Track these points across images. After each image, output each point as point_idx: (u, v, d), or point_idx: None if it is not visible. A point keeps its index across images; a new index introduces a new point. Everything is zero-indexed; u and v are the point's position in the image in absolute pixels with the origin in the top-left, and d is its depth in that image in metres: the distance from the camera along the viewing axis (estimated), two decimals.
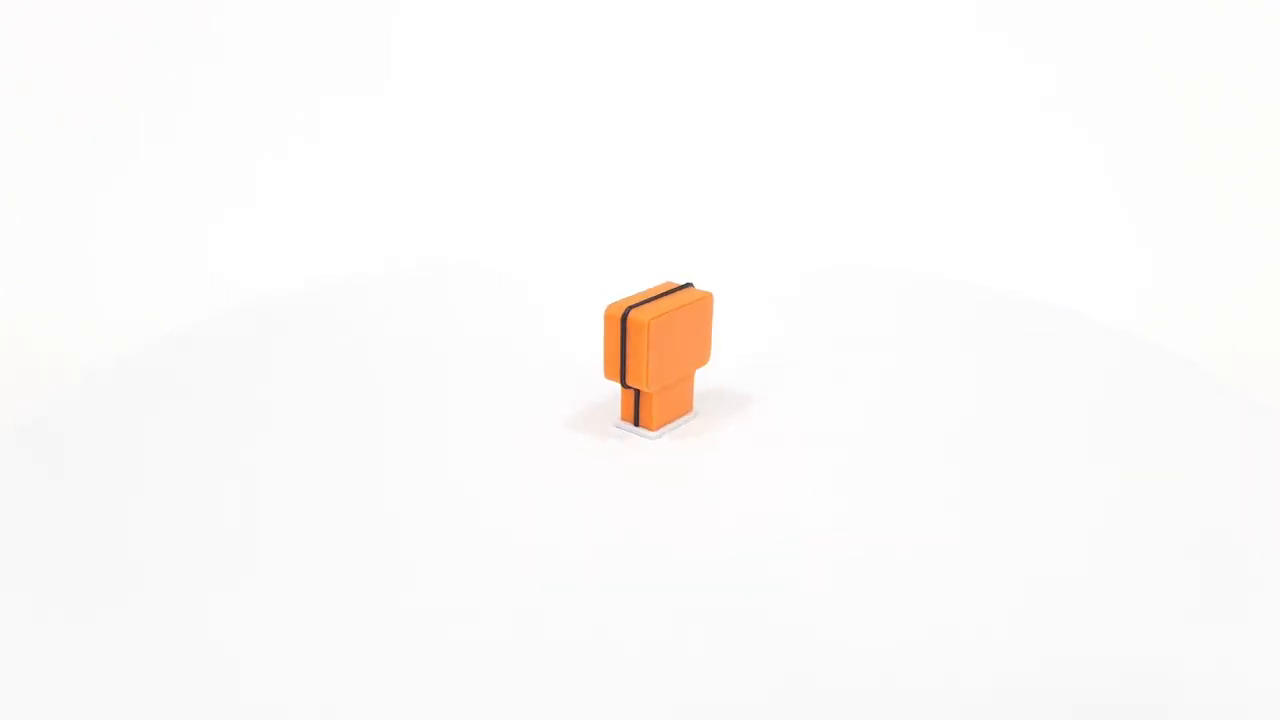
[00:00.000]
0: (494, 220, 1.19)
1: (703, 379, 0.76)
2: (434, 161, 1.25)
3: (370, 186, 1.21)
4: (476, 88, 1.28)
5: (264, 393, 0.75)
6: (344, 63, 1.26)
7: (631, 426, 0.69)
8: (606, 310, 0.65)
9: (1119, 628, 0.51)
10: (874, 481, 0.64)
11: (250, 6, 1.23)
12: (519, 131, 1.27)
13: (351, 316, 0.90)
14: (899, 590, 0.53)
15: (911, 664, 0.48)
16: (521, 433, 0.69)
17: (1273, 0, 1.20)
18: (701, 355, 0.68)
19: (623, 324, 0.64)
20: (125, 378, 0.78)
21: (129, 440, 0.68)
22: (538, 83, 1.28)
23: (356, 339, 0.85)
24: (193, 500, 0.61)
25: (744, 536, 0.58)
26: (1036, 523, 0.59)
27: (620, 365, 0.65)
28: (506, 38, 1.28)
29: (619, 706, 0.45)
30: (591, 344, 0.82)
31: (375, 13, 1.27)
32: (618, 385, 0.74)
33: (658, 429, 0.68)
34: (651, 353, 0.64)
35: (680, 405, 0.69)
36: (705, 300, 0.67)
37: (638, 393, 0.67)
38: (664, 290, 0.67)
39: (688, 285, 0.68)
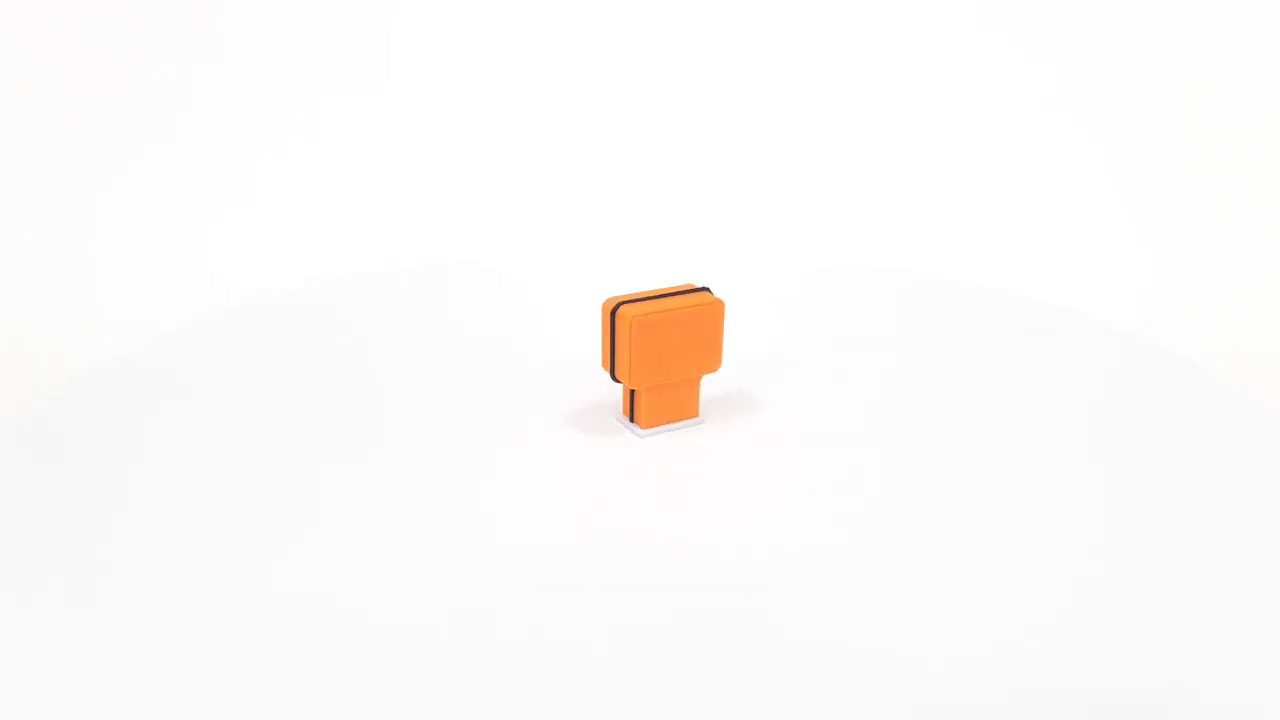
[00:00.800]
0: (494, 220, 1.19)
1: (704, 379, 0.76)
2: (434, 161, 1.25)
3: (370, 186, 1.21)
4: (476, 88, 1.28)
5: (264, 393, 0.75)
6: (344, 63, 1.26)
7: (627, 421, 0.69)
8: (603, 303, 0.66)
9: (1119, 627, 0.51)
10: (874, 482, 0.64)
11: (250, 6, 1.23)
12: (519, 131, 1.27)
13: (351, 316, 0.90)
14: (899, 590, 0.53)
15: (911, 664, 0.48)
16: (521, 432, 0.69)
17: (1273, 0, 1.20)
18: (706, 361, 0.68)
19: (613, 318, 0.65)
20: (125, 378, 0.78)
21: (129, 440, 0.68)
22: (538, 83, 1.28)
23: (356, 339, 0.85)
24: (192, 500, 0.61)
25: (744, 536, 0.58)
26: (1037, 522, 0.59)
27: (610, 359, 0.67)
28: (506, 38, 1.28)
29: (619, 706, 0.45)
30: (591, 344, 0.81)
31: (375, 13, 1.27)
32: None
33: (647, 428, 0.68)
34: (634, 349, 0.64)
35: (679, 409, 0.69)
36: (710, 307, 0.66)
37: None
38: (674, 290, 0.67)
39: (703, 289, 0.68)
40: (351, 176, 1.21)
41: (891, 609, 0.52)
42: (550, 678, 0.47)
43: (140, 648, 0.49)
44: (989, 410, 0.73)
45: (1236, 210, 1.14)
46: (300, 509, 0.60)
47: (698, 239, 1.19)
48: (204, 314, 0.92)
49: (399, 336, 0.85)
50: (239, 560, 0.55)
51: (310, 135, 1.23)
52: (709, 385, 0.75)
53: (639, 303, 0.65)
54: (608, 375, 0.75)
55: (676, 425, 0.69)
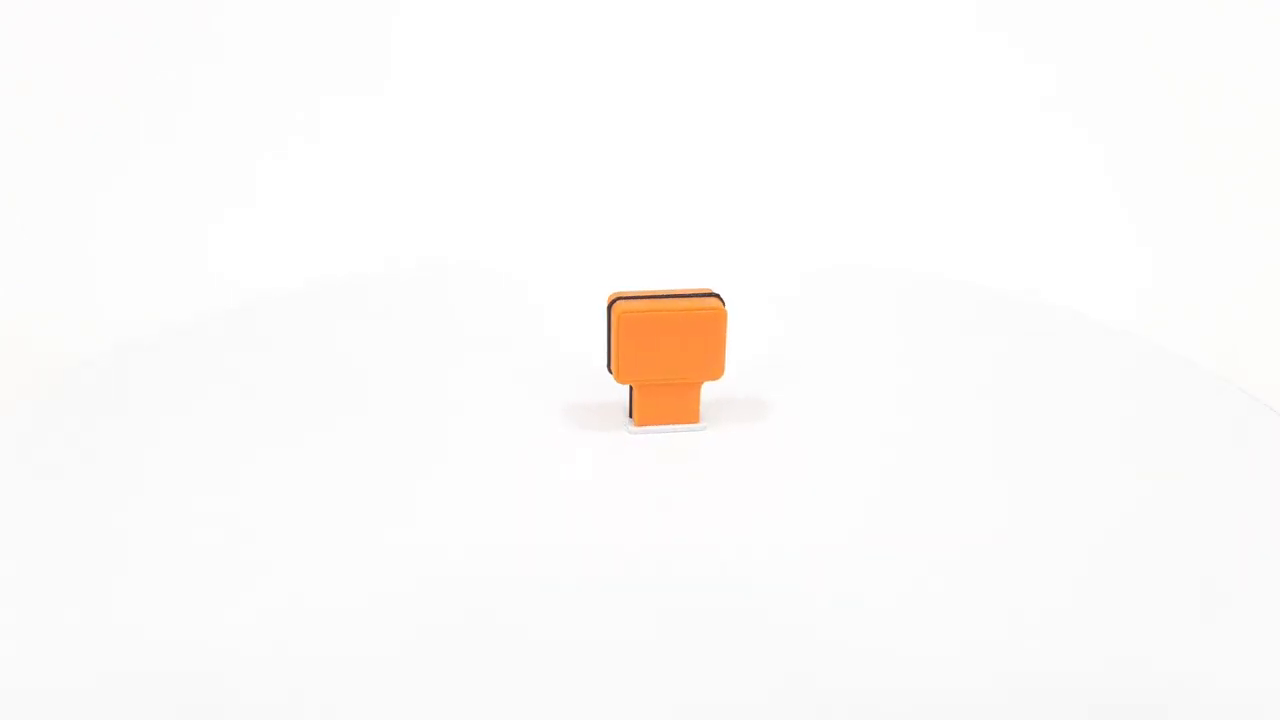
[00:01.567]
0: (494, 220, 1.19)
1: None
2: (434, 162, 1.25)
3: (370, 186, 1.21)
4: (477, 88, 1.28)
5: (264, 393, 0.74)
6: (344, 63, 1.25)
7: (627, 416, 0.70)
8: (608, 298, 0.67)
9: (1119, 627, 0.50)
10: (876, 482, 0.63)
11: (250, 7, 1.23)
12: (519, 132, 1.27)
13: (351, 316, 0.90)
14: (899, 591, 0.53)
15: (912, 664, 0.48)
16: (521, 433, 0.69)
17: (1273, 0, 1.20)
18: (705, 367, 0.67)
19: (609, 312, 0.66)
20: (124, 377, 0.78)
21: (127, 440, 0.68)
22: (539, 83, 1.28)
23: (356, 339, 0.84)
24: (192, 500, 0.61)
25: (743, 537, 0.58)
26: (1038, 522, 0.59)
27: (608, 352, 0.67)
28: (507, 38, 1.28)
29: (619, 706, 0.45)
30: (592, 344, 0.81)
31: (375, 13, 1.27)
32: (620, 384, 0.75)
33: (639, 425, 0.69)
34: (621, 344, 0.65)
35: (678, 412, 0.69)
36: (709, 314, 0.65)
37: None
38: (682, 292, 0.67)
39: (711, 295, 0.67)
40: (351, 176, 1.21)
41: (890, 610, 0.52)
42: (550, 677, 0.47)
43: (139, 645, 0.49)
44: (989, 410, 0.73)
45: (1237, 210, 1.14)
46: (299, 508, 0.60)
47: (698, 239, 1.19)
48: (203, 313, 0.92)
49: (399, 336, 0.85)
50: (238, 558, 0.55)
51: (310, 135, 1.23)
52: (709, 385, 0.75)
53: (638, 300, 0.66)
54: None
55: (674, 428, 0.69)
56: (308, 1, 1.25)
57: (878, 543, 0.57)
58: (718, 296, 0.67)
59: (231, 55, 1.22)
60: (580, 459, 0.66)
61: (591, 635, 0.50)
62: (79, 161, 1.14)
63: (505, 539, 0.57)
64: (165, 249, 1.09)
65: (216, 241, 1.11)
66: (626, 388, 0.72)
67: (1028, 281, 1.04)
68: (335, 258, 1.10)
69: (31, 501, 0.61)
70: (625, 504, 0.61)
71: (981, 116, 1.25)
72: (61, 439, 0.68)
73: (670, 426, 0.69)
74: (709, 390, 0.74)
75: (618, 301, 0.65)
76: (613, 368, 0.66)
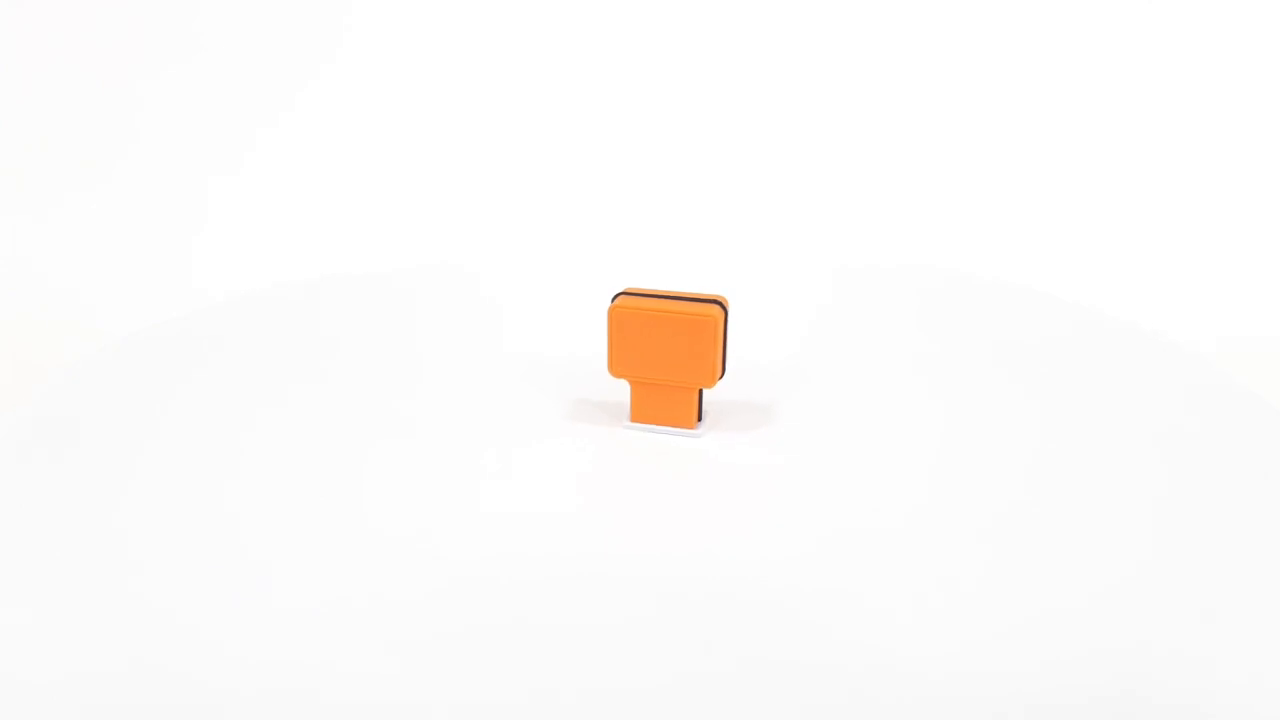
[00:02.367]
0: (494, 221, 1.19)
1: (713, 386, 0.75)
2: (435, 162, 1.24)
3: (370, 187, 1.21)
4: (478, 89, 1.27)
5: (263, 393, 0.74)
6: (344, 63, 1.25)
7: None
8: (619, 291, 0.69)
9: (1120, 627, 0.50)
10: (879, 482, 0.63)
11: (252, 8, 1.22)
12: (520, 133, 1.27)
13: (352, 316, 0.90)
14: (901, 591, 0.53)
15: (912, 664, 0.48)
16: (521, 433, 0.69)
17: (1272, 0, 1.20)
18: (697, 373, 0.66)
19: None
20: (122, 378, 0.77)
21: (124, 440, 0.67)
22: (541, 84, 1.28)
23: (356, 339, 0.84)
24: (191, 499, 0.60)
25: (744, 537, 0.57)
26: (1046, 525, 0.59)
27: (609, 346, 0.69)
28: (509, 39, 1.28)
29: (618, 706, 0.45)
30: (592, 344, 0.81)
31: (376, 14, 1.27)
32: (620, 386, 0.75)
33: (634, 421, 0.70)
34: (612, 339, 0.67)
35: (673, 415, 0.69)
36: (700, 320, 0.65)
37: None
38: (687, 295, 0.67)
39: (715, 302, 0.66)
40: (351, 177, 1.21)
41: (893, 609, 0.51)
42: (548, 676, 0.47)
43: (138, 644, 0.48)
44: (990, 411, 0.73)
45: (1262, 207, 1.13)
46: (298, 508, 0.60)
47: (700, 239, 1.19)
48: (202, 314, 0.92)
49: (398, 336, 0.85)
50: (237, 558, 0.55)
51: (310, 136, 1.23)
52: (719, 389, 0.74)
53: (638, 297, 0.67)
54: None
55: (669, 430, 0.69)
56: (309, 4, 1.25)
57: (882, 543, 0.57)
58: (720, 305, 0.66)
59: (231, 55, 1.22)
60: (579, 459, 0.66)
61: (587, 633, 0.49)
62: (77, 161, 1.14)
63: (503, 537, 0.57)
64: (164, 249, 1.08)
65: (216, 241, 1.11)
66: (617, 390, 0.73)
67: (1040, 279, 1.04)
68: (336, 257, 1.10)
69: (31, 502, 0.60)
70: (626, 503, 0.61)
71: (979, 117, 1.25)
72: (57, 437, 0.68)
73: (664, 428, 0.69)
74: (716, 391, 0.74)
75: (621, 296, 0.67)
76: (608, 361, 0.68)
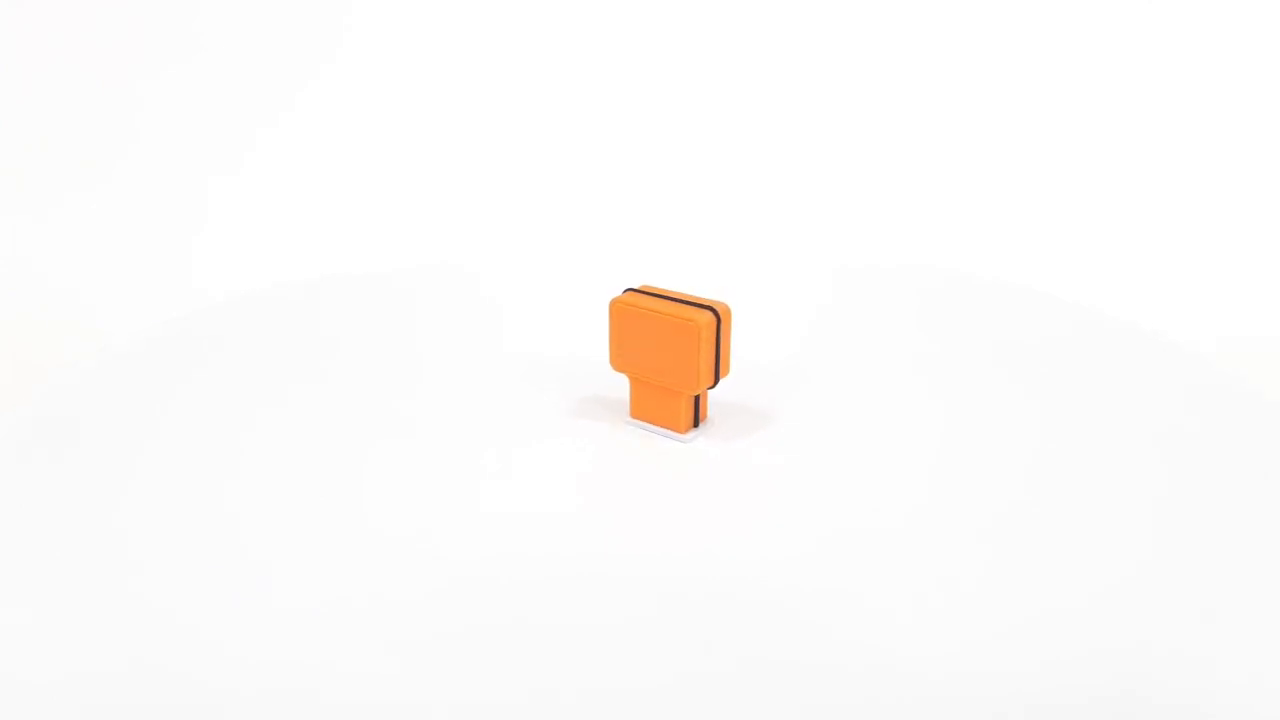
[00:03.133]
0: (494, 221, 1.18)
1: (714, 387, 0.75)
2: (435, 162, 1.24)
3: (370, 186, 1.20)
4: (478, 89, 1.27)
5: (263, 393, 0.74)
6: (344, 63, 1.25)
7: None
8: (628, 287, 0.70)
9: (1120, 627, 0.50)
10: (879, 482, 0.63)
11: (253, 9, 1.22)
12: (520, 132, 1.26)
13: (352, 316, 0.90)
14: (901, 591, 0.53)
15: (912, 664, 0.47)
16: (521, 433, 0.69)
17: (1272, 0, 1.20)
18: (683, 378, 0.66)
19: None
20: (122, 377, 0.77)
21: (124, 440, 0.67)
22: (541, 83, 1.28)
23: (356, 339, 0.84)
24: (191, 500, 0.60)
25: (744, 537, 0.57)
26: (1048, 524, 0.59)
27: None
28: (509, 39, 1.28)
29: (618, 706, 0.45)
30: (592, 344, 0.81)
31: (376, 14, 1.26)
32: (620, 386, 0.75)
33: (633, 417, 0.70)
34: (612, 331, 0.68)
35: (664, 417, 0.69)
36: (685, 325, 0.64)
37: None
38: (690, 299, 0.67)
39: (710, 309, 0.66)
40: (351, 177, 1.21)
41: (892, 609, 0.51)
42: (548, 676, 0.47)
43: (138, 645, 0.48)
44: (990, 410, 0.73)
45: (1262, 207, 1.13)
46: (298, 508, 0.59)
47: (700, 239, 1.19)
48: (203, 314, 0.92)
49: (398, 337, 0.85)
50: (237, 557, 0.55)
51: (310, 136, 1.23)
52: (720, 390, 0.74)
53: (642, 294, 0.67)
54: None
55: (659, 430, 0.69)
56: (309, 4, 1.25)
57: (883, 543, 0.57)
58: (714, 311, 0.65)
59: (232, 56, 1.22)
60: (578, 459, 0.66)
61: (588, 634, 0.49)
62: (75, 161, 1.14)
63: (503, 537, 0.57)
64: (163, 249, 1.08)
65: (214, 242, 1.10)
66: (618, 389, 0.73)
67: (1038, 278, 1.04)
68: (336, 257, 1.09)
69: (31, 502, 0.60)
70: (626, 504, 0.61)
71: (980, 116, 1.25)
72: (55, 437, 0.67)
73: (658, 428, 0.69)
74: (717, 390, 0.74)
75: (627, 292, 0.68)
76: (609, 353, 0.69)
